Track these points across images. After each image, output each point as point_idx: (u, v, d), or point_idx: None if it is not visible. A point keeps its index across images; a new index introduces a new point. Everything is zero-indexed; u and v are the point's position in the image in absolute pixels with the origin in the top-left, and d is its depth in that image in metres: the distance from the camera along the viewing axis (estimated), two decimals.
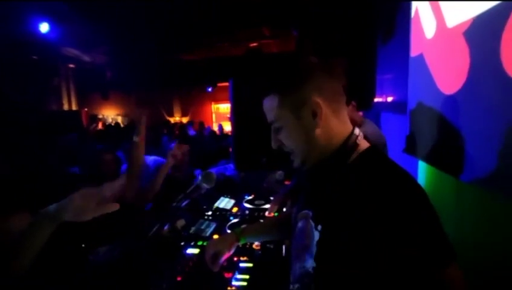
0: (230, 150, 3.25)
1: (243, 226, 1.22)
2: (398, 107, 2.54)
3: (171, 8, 4.89)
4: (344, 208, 0.71)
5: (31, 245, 0.85)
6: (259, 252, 1.43)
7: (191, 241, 1.53)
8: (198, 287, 1.20)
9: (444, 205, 1.54)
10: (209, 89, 10.61)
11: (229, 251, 1.10)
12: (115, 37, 6.28)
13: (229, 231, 1.46)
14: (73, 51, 7.57)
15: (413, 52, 1.99)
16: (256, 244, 1.47)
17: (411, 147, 2.01)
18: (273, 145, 0.85)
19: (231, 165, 2.69)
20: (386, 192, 0.67)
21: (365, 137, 0.83)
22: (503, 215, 1.12)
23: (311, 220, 0.79)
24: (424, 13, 1.79)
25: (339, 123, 0.79)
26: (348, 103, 0.83)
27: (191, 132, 7.47)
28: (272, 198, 1.99)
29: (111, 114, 11.55)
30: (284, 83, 0.80)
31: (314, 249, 0.75)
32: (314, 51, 3.82)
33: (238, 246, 1.14)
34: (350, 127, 0.82)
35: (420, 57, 1.82)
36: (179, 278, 1.22)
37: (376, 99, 3.49)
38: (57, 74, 8.57)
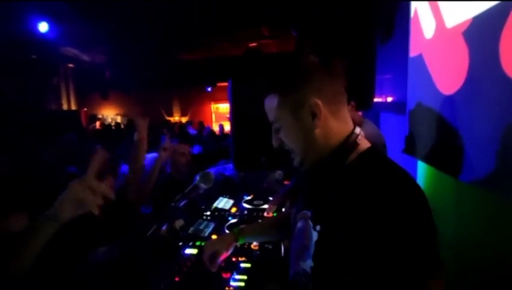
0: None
1: (242, 226, 1.21)
2: (398, 107, 2.54)
3: (171, 8, 4.90)
4: (342, 209, 0.71)
5: (32, 245, 0.85)
6: (258, 252, 1.43)
7: (190, 242, 1.52)
8: (197, 288, 1.20)
9: (443, 205, 1.54)
10: (209, 89, 10.61)
11: (227, 251, 1.10)
12: (114, 36, 6.29)
13: (227, 231, 1.46)
14: (72, 51, 7.58)
15: (413, 53, 1.99)
16: (254, 245, 1.46)
17: (410, 147, 2.00)
18: (274, 144, 0.85)
19: (230, 165, 2.68)
20: (384, 193, 0.67)
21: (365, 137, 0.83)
22: (503, 216, 1.12)
23: (310, 221, 0.79)
24: (423, 13, 1.79)
25: (338, 123, 0.79)
26: (347, 103, 0.83)
27: (192, 131, 7.47)
28: (271, 198, 1.98)
29: (110, 114, 11.56)
30: (283, 84, 0.80)
31: (312, 249, 0.75)
32: (314, 51, 3.82)
33: (236, 246, 1.14)
34: (351, 126, 0.81)
35: (419, 57, 1.82)
36: (177, 278, 1.22)
37: (375, 100, 3.48)
38: (56, 73, 8.57)
